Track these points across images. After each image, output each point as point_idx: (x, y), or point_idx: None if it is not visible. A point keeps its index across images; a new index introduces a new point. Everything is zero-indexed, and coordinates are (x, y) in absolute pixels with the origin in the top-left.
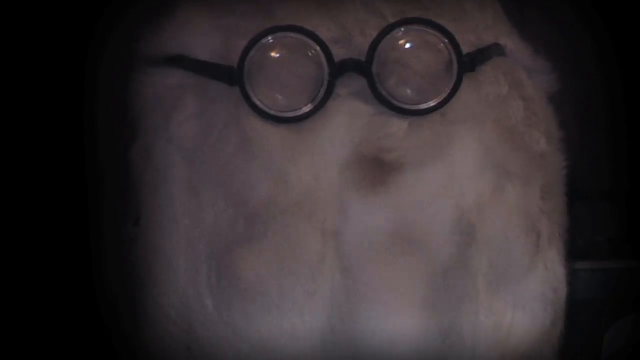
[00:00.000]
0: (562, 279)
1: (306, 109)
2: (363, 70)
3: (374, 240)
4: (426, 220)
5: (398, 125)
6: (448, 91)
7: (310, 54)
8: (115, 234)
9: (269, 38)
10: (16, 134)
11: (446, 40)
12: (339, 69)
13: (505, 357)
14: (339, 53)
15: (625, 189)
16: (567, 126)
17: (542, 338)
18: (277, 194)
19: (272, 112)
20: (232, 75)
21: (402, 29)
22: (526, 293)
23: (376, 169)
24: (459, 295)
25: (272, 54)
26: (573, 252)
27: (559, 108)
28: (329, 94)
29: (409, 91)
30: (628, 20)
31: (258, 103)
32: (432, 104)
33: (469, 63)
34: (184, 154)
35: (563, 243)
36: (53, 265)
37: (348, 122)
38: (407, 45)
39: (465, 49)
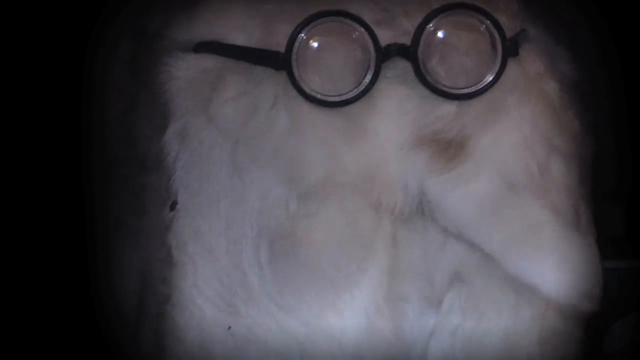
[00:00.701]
0: (597, 261)
1: (353, 93)
2: (409, 55)
3: (474, 208)
4: (517, 174)
5: (447, 108)
6: (493, 75)
7: (354, 37)
8: (150, 222)
9: (316, 22)
10: (40, 129)
11: (489, 23)
12: (385, 54)
13: (543, 334)
14: (383, 34)
15: (628, 188)
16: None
17: (576, 317)
18: (333, 172)
19: (319, 96)
20: (279, 60)
21: (446, 14)
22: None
23: (442, 146)
24: (498, 267)
25: (318, 38)
26: None
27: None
28: (375, 78)
29: (453, 75)
30: (630, 20)
31: (305, 88)
32: (477, 87)
33: (513, 47)
34: (225, 134)
35: (595, 229)
36: (75, 253)
37: (399, 105)
38: (451, 30)
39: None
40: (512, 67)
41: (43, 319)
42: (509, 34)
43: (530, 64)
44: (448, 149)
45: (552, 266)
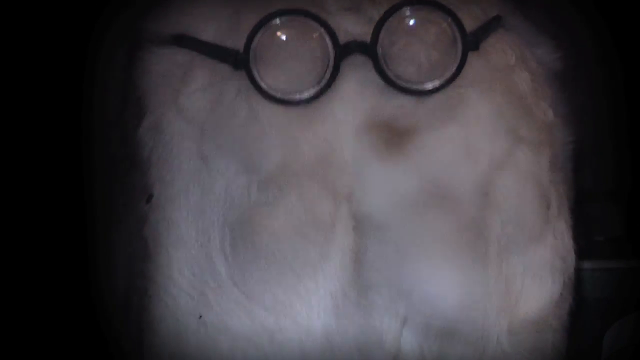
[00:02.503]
0: (570, 250)
1: (312, 90)
2: (368, 52)
3: (398, 200)
4: (447, 179)
5: (408, 97)
6: (453, 70)
7: (314, 36)
8: (127, 215)
9: (275, 21)
10: (20, 123)
11: (449, 19)
12: (344, 51)
13: (513, 324)
14: (349, 22)
15: (627, 188)
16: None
17: (551, 307)
18: (290, 159)
19: (278, 95)
20: (238, 60)
21: (408, 8)
22: (536, 261)
23: (391, 133)
24: (473, 258)
25: (278, 37)
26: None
27: (565, 87)
28: (334, 76)
29: (414, 71)
30: (630, 19)
31: (264, 86)
32: (437, 83)
33: (473, 42)
34: (193, 125)
35: (570, 216)
36: (57, 247)
37: (359, 90)
38: (412, 25)
39: (472, 23)
40: (476, 60)
41: (40, 318)
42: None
43: (499, 56)
44: (394, 137)
45: (451, 289)
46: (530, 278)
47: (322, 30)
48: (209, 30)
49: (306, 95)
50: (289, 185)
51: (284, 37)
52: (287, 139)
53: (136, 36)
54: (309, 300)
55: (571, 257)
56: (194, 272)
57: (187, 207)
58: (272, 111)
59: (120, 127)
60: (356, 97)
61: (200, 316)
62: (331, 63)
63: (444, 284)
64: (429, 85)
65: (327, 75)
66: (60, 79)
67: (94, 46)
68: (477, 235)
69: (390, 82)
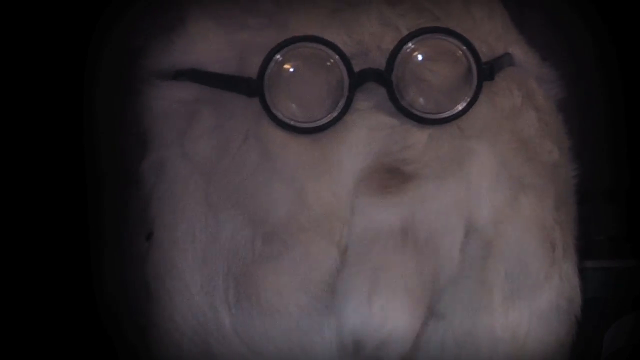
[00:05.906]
0: (576, 290)
1: (326, 119)
2: (383, 80)
3: (379, 235)
4: (436, 227)
5: (418, 138)
6: (468, 100)
7: (328, 64)
8: (127, 249)
9: (288, 49)
10: (20, 148)
11: (464, 48)
12: (358, 79)
13: None
14: (356, 67)
15: (626, 188)
16: (567, 127)
17: (557, 348)
18: (297, 212)
19: (291, 122)
20: (252, 86)
21: (421, 38)
22: (542, 305)
23: (391, 176)
24: (475, 308)
25: (291, 64)
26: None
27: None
28: (348, 104)
29: (428, 100)
30: (628, 22)
31: (278, 114)
32: (452, 112)
33: (488, 71)
34: (200, 169)
35: (576, 253)
36: (59, 282)
37: (368, 136)
38: (426, 55)
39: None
40: (484, 106)
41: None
42: (493, 57)
43: (506, 99)
44: (392, 180)
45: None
46: (536, 322)
47: (336, 57)
48: (217, 68)
49: (320, 123)
50: (294, 239)
51: (297, 65)
52: (293, 190)
53: (138, 68)
54: (314, 356)
55: (577, 297)
56: (199, 320)
57: (193, 252)
58: (284, 158)
59: (116, 149)
60: (365, 142)
61: None
62: (345, 91)
63: (446, 333)
64: (443, 115)
65: (342, 104)
66: (52, 101)
67: (98, 67)
68: (476, 287)
69: (404, 111)
